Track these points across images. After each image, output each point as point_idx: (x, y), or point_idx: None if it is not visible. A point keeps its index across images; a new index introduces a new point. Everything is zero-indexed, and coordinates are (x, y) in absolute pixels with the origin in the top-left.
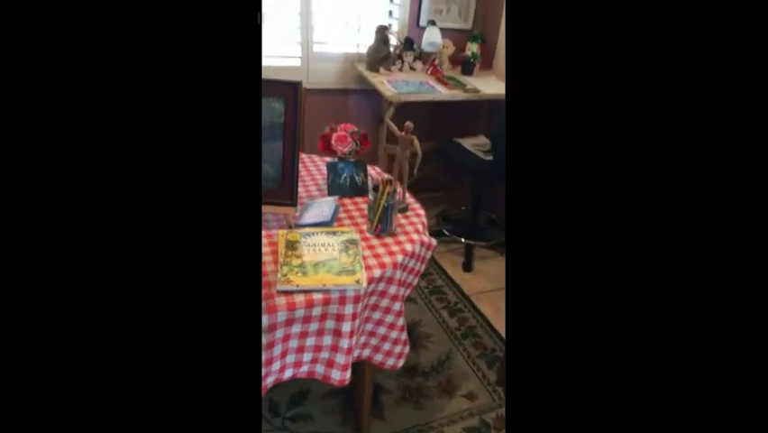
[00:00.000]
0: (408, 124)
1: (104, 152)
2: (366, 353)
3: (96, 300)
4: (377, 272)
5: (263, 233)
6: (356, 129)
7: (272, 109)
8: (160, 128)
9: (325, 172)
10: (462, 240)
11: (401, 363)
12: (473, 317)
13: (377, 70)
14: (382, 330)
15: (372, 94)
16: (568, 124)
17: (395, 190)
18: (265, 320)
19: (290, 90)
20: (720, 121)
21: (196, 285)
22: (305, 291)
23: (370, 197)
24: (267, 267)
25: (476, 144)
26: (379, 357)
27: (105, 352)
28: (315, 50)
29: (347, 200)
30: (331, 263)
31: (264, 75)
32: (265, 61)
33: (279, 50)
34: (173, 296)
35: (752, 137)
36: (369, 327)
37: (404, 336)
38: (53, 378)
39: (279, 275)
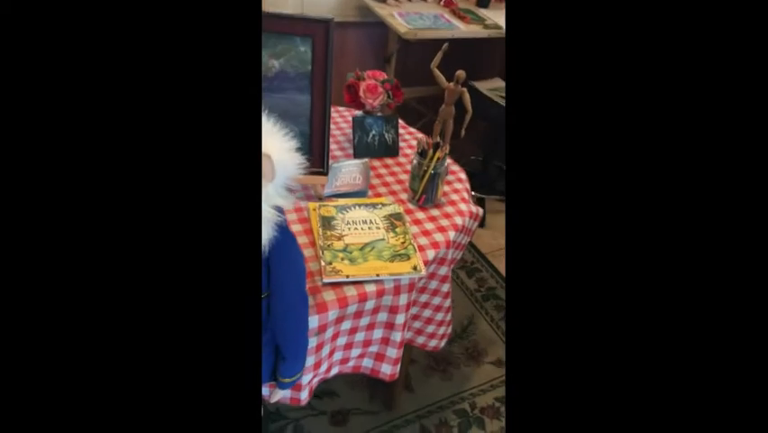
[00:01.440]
0: (460, 72)
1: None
2: (407, 335)
3: (80, 290)
4: (430, 254)
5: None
6: (387, 77)
7: (297, 53)
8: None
9: (344, 127)
10: (473, 193)
11: (443, 343)
12: (491, 276)
13: (383, 0)
14: (428, 313)
15: (374, 28)
16: (569, 118)
17: (445, 156)
18: (315, 321)
19: (320, 30)
20: (720, 121)
21: (187, 276)
22: (355, 283)
23: (414, 161)
24: (304, 251)
25: (493, 89)
26: (421, 339)
27: (100, 349)
28: None
29: (377, 162)
30: (379, 246)
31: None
32: None
33: None
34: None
35: (752, 137)
36: (414, 309)
37: (449, 316)
38: (44, 379)
39: (323, 263)
